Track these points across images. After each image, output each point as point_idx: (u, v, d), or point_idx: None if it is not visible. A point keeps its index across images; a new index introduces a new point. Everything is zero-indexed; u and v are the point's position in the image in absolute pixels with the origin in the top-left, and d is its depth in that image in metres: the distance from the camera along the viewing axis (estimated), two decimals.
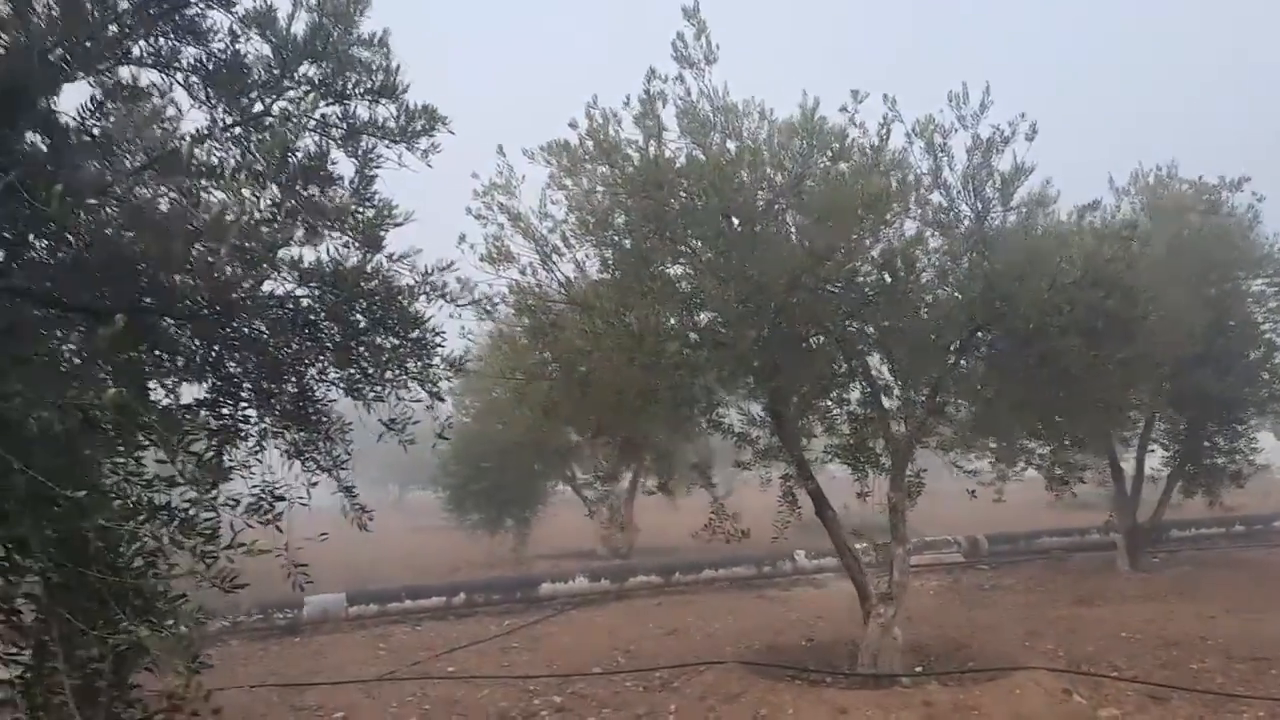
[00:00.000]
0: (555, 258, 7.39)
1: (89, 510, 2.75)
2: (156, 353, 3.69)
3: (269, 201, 4.04)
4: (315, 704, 8.23)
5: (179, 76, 3.82)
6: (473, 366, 9.16)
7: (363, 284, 4.10)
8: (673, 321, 7.13)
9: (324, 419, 4.15)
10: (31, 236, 3.55)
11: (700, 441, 8.62)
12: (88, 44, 3.28)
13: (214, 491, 3.81)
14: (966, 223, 7.91)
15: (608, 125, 7.10)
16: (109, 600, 2.96)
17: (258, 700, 8.45)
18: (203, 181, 3.63)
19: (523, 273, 7.38)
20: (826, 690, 7.55)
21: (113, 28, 3.56)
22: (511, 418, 10.26)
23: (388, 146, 4.29)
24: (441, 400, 4.20)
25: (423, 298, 4.05)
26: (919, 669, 8.28)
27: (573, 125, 7.14)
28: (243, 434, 4.01)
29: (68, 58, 3.28)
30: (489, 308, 4.06)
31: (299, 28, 4.03)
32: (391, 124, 4.24)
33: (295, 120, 3.98)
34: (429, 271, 4.03)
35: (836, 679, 8.01)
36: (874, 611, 7.98)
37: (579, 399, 7.20)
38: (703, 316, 7.35)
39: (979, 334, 7.71)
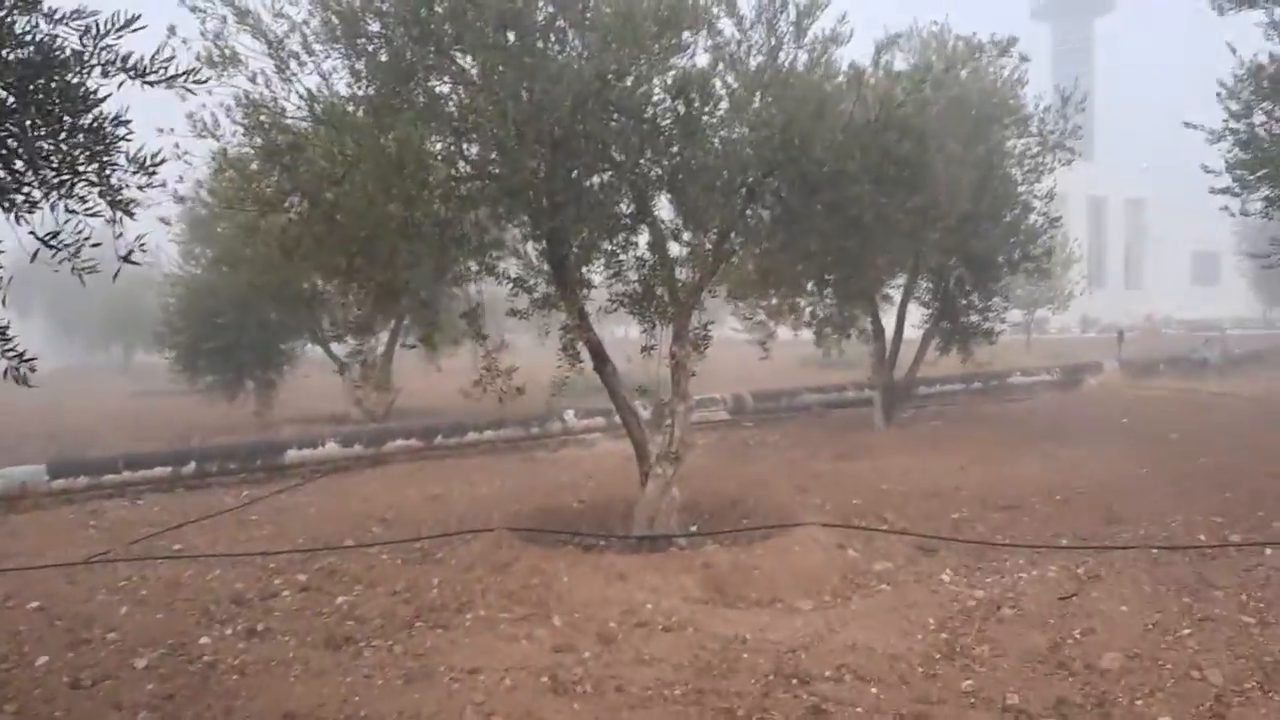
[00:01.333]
0: (295, 66, 6.20)
1: None
2: None
3: None
4: (6, 593, 7.02)
5: None
6: (189, 193, 7.82)
7: (8, 51, 2.96)
8: (439, 146, 6.19)
9: None
10: None
11: (469, 289, 7.77)
12: None
13: None
14: (759, 58, 7.34)
15: None
16: None
17: None
18: None
19: (253, 81, 6.16)
20: (602, 556, 7.17)
21: None
22: (243, 259, 8.95)
23: None
24: (129, 215, 3.18)
25: (97, 69, 2.99)
26: (694, 528, 8.08)
27: None
28: None
29: None
30: (194, 81, 3.03)
31: None
32: None
33: None
34: (102, 32, 2.95)
35: (611, 543, 7.66)
36: (653, 471, 7.63)
37: (325, 235, 6.17)
38: (474, 144, 6.44)
39: (769, 178, 7.26)
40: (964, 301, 14.32)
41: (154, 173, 3.16)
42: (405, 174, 5.78)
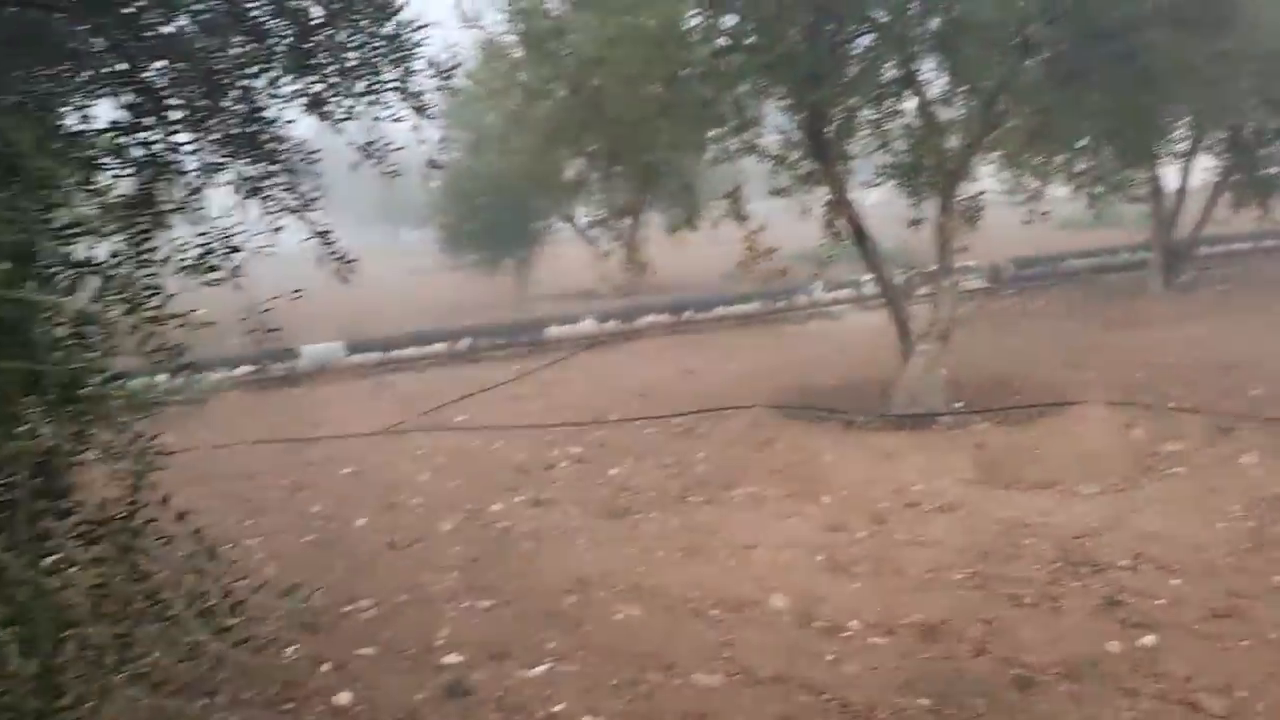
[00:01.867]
0: None
1: None
2: (39, 59, 2.78)
3: None
4: (322, 458, 7.85)
5: None
6: (458, 85, 8.10)
7: None
8: (697, 22, 6.06)
9: (281, 145, 3.30)
10: None
11: (729, 167, 7.65)
12: None
13: (148, 241, 3.02)
14: None
15: None
16: (13, 388, 2.25)
17: (262, 455, 8.07)
18: None
19: None
20: (865, 433, 7.10)
21: None
22: (508, 146, 9.27)
23: None
24: (429, 117, 3.33)
25: None
26: (959, 405, 7.82)
27: None
28: (176, 166, 3.17)
29: None
30: (470, 11, 3.09)
31: None
32: None
33: None
34: None
35: (871, 420, 7.55)
36: (916, 348, 7.41)
37: (588, 120, 6.23)
38: (731, 16, 6.25)
39: (1050, 25, 6.62)
40: (1263, 151, 12.75)
41: (450, 76, 3.27)
42: (665, 53, 5.71)
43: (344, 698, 3.88)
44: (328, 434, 8.62)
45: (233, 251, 3.13)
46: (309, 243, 3.39)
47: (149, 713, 2.81)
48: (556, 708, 3.66)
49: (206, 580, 2.65)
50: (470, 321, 14.79)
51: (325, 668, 4.14)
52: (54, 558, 2.40)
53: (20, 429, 2.24)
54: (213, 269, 3.04)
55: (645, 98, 5.83)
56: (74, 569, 2.43)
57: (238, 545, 5.79)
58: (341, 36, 3.13)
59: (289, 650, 4.30)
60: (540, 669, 3.98)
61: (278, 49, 3.13)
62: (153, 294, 2.70)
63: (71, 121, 2.98)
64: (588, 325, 13.24)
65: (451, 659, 4.14)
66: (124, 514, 2.56)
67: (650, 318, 13.72)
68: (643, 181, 6.80)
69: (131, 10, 2.95)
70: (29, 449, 2.21)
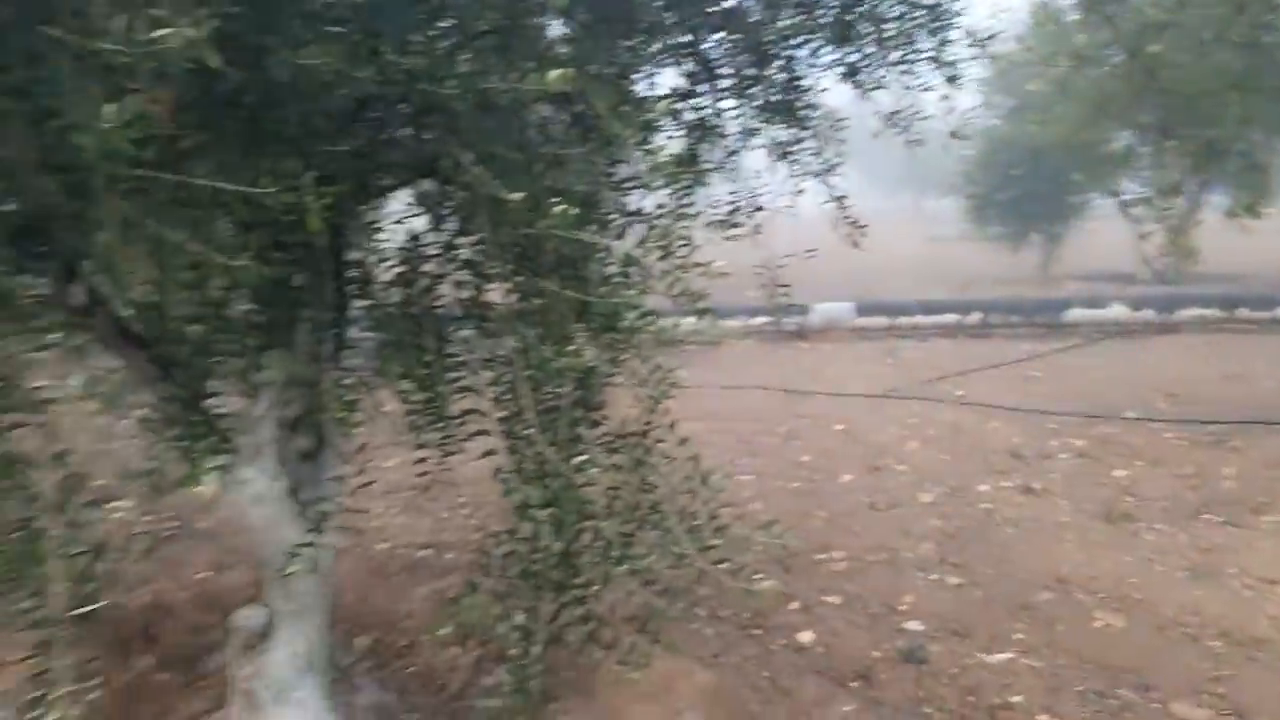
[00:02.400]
0: None
1: (540, 213, 2.38)
2: (626, 33, 3.21)
3: None
4: (817, 413, 8.18)
5: None
6: (1003, 51, 7.82)
7: None
8: None
9: (814, 112, 3.49)
10: None
11: None
12: None
13: (689, 196, 3.38)
14: None
15: None
16: (567, 315, 2.68)
17: (763, 401, 8.61)
18: None
19: None
20: None
21: None
22: (1051, 115, 8.80)
23: None
24: (959, 87, 3.31)
25: None
26: None
27: None
28: (719, 129, 3.48)
29: None
30: None
31: None
32: None
33: None
34: None
35: None
36: None
37: (1143, 89, 5.69)
38: None
39: None
40: None
41: (986, 45, 3.21)
42: (1245, 17, 5.03)
43: (806, 637, 4.10)
44: (826, 390, 8.93)
45: (757, 210, 3.39)
46: (827, 206, 3.56)
47: (639, 605, 3.22)
48: (1014, 698, 3.56)
49: (697, 501, 2.95)
50: (986, 295, 14.33)
51: (793, 606, 4.40)
52: (581, 459, 2.82)
53: (569, 349, 2.66)
54: (737, 225, 3.33)
55: (1214, 67, 5.19)
56: (595, 471, 2.85)
57: (731, 479, 6.30)
58: (882, 8, 3.21)
59: (763, 583, 4.62)
60: (1001, 656, 3.88)
61: (822, 20, 3.30)
62: (685, 244, 3.03)
63: (639, 88, 3.40)
64: (1116, 311, 12.18)
65: (912, 625, 4.18)
66: (640, 432, 2.94)
67: (1193, 310, 12.26)
68: (1201, 159, 6.06)
69: None
70: (574, 366, 2.62)
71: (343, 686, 3.55)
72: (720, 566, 3.08)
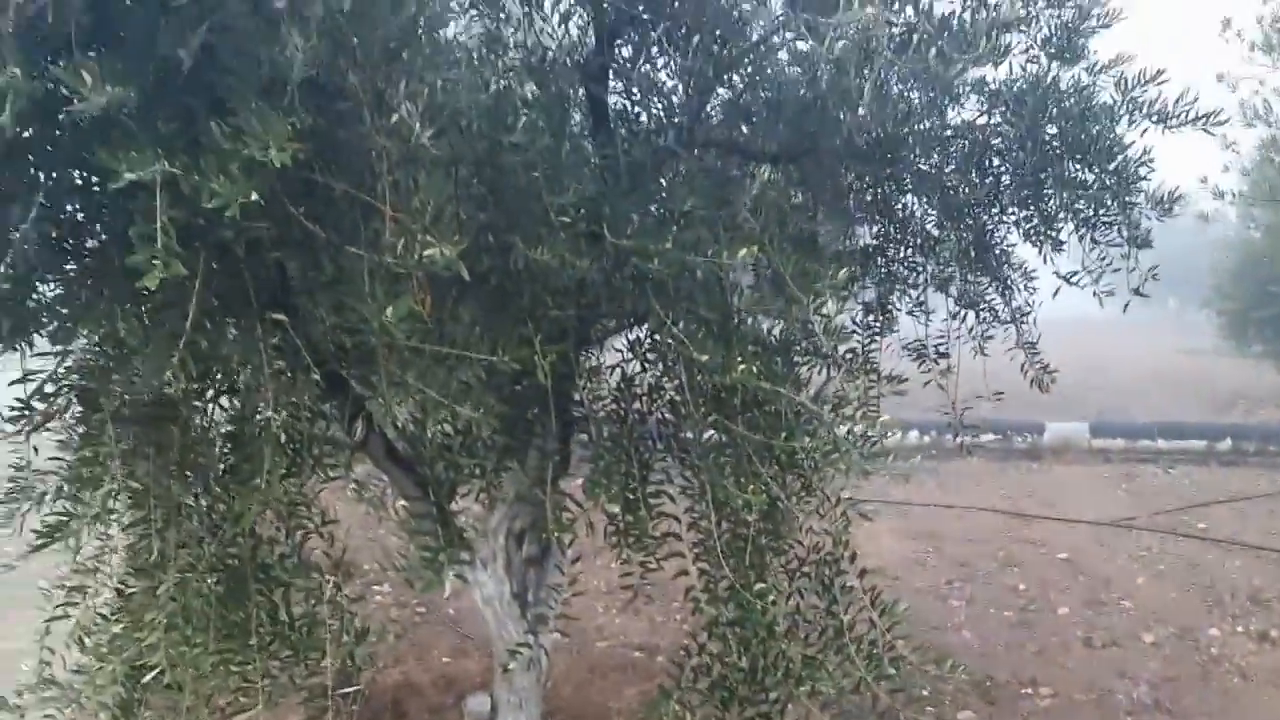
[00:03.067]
0: None
1: (729, 367, 2.75)
2: (821, 195, 3.55)
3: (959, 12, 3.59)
4: (1040, 538, 7.94)
5: None
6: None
7: (1053, 105, 3.41)
8: None
9: (1003, 265, 3.65)
10: (712, 91, 3.58)
11: None
12: None
13: (877, 343, 3.65)
14: None
15: None
16: (752, 454, 2.99)
17: (985, 523, 8.44)
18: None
19: None
20: None
21: None
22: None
23: None
24: (1146, 246, 3.38)
25: (1124, 119, 3.24)
26: None
27: None
28: (910, 281, 3.72)
29: None
30: (1214, 124, 3.06)
31: None
32: None
33: None
34: (1132, 84, 3.18)
35: None
36: None
37: None
38: None
39: None
40: None
41: (1171, 209, 3.30)
42: None
43: None
44: (1052, 515, 8.64)
45: (942, 356, 3.60)
46: (1073, 315, 3.68)
47: None
48: None
49: (877, 629, 3.13)
50: (1242, 418, 13.33)
51: None
52: (766, 583, 3.09)
53: (752, 485, 2.97)
54: (930, 361, 3.56)
55: None
56: (779, 595, 3.12)
57: (944, 603, 6.28)
58: (1070, 172, 3.38)
59: (961, 714, 4.62)
60: None
61: (1007, 183, 3.51)
62: (872, 385, 3.30)
63: (835, 246, 3.73)
64: None
65: None
66: (825, 560, 3.18)
67: None
68: None
69: (893, 154, 3.58)
70: (760, 501, 2.92)
71: None
72: (898, 695, 3.24)
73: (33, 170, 1.82)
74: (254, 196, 1.71)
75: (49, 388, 2.14)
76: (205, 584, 2.69)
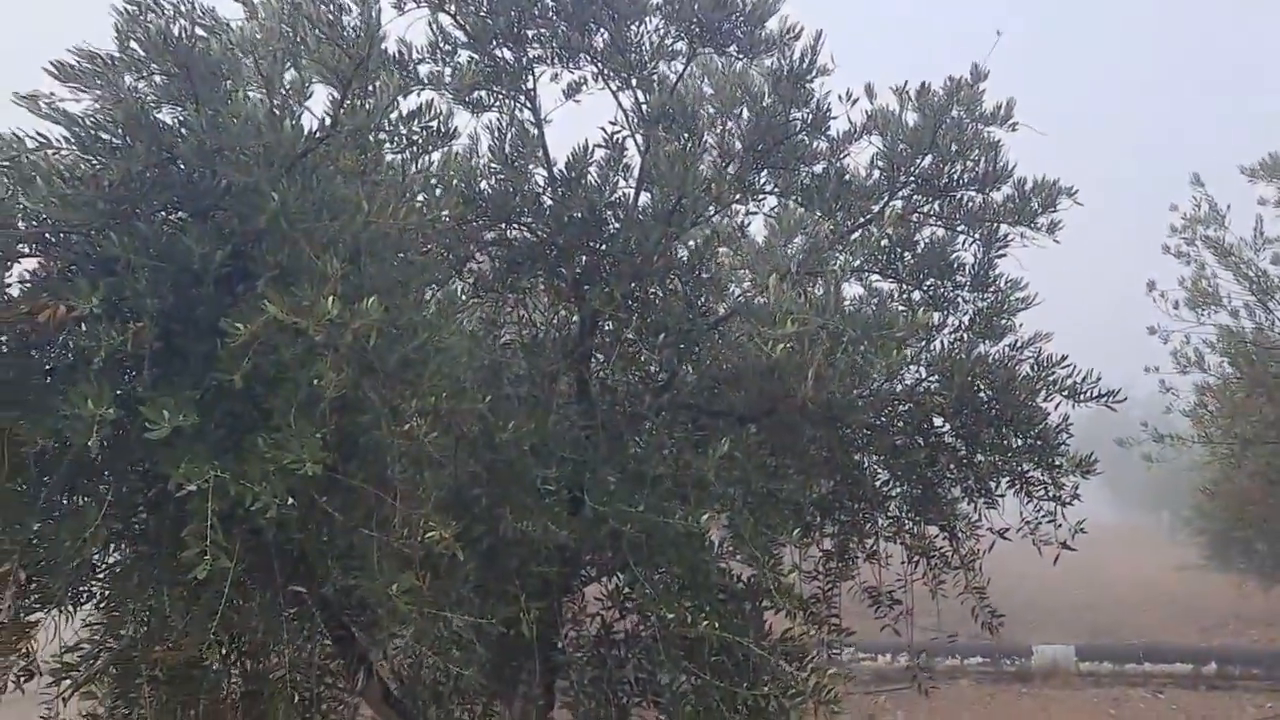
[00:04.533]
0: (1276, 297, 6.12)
1: (694, 622, 3.05)
2: (781, 453, 3.94)
3: (905, 293, 4.11)
4: None
5: (793, 199, 4.06)
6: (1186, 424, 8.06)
7: (980, 375, 3.87)
8: None
9: (949, 517, 3.99)
10: (681, 364, 4.04)
11: None
12: (700, 194, 3.64)
13: (837, 588, 3.94)
14: None
15: None
16: (719, 702, 3.23)
17: None
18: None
19: (1234, 315, 6.25)
20: None
21: (729, 170, 3.93)
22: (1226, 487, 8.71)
23: (1010, 225, 4.02)
24: (1067, 503, 3.73)
25: (1042, 392, 3.67)
26: None
27: None
28: (866, 530, 4.06)
29: (682, 208, 3.67)
30: (1115, 402, 3.47)
31: (910, 118, 3.99)
32: (1010, 205, 3.97)
33: (907, 219, 3.99)
34: (1046, 364, 3.64)
35: None
36: None
37: None
38: None
39: None
40: None
41: (1090, 471, 3.68)
42: None
43: None
44: None
45: (896, 602, 3.88)
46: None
47: None
48: None
49: None
50: (1232, 638, 13.28)
51: None
52: None
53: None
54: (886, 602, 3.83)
55: None
56: None
57: None
58: (999, 439, 3.79)
59: None
60: None
61: (948, 442, 3.92)
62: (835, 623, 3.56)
63: (796, 497, 4.09)
64: None
65: None
66: None
67: None
68: None
69: (845, 415, 4.00)
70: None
71: None
72: None
73: (106, 475, 2.19)
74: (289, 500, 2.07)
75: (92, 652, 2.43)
76: None
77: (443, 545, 2.34)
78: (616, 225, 3.65)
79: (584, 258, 3.66)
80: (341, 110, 2.63)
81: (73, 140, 2.42)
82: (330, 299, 2.20)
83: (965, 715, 9.58)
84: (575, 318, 3.83)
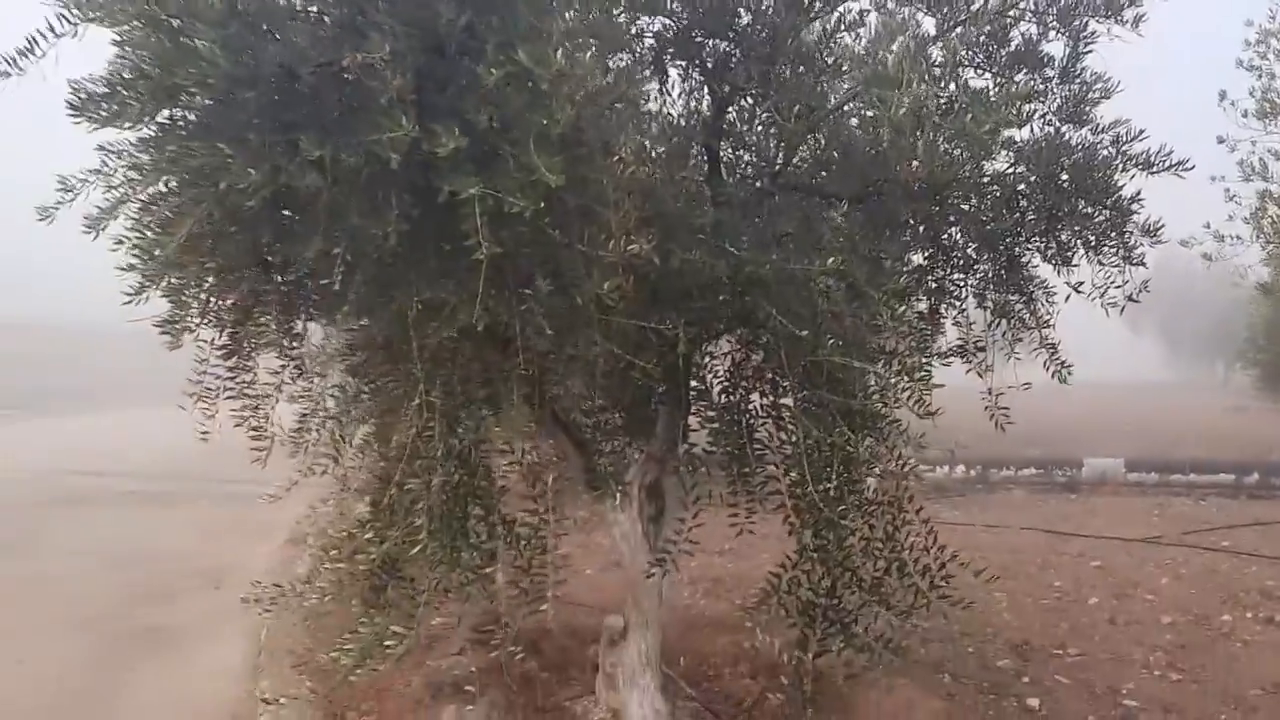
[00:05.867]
0: None
1: (821, 347, 3.69)
2: (882, 227, 4.50)
3: (991, 87, 4.57)
4: (1076, 551, 8.65)
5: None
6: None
7: (1065, 159, 4.35)
8: None
9: (1027, 283, 4.54)
10: (797, 145, 4.56)
11: None
12: None
13: (930, 340, 4.55)
14: None
15: None
16: (839, 418, 3.91)
17: (1026, 540, 9.16)
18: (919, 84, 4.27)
19: None
20: None
21: None
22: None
23: (1098, 22, 4.41)
24: (1138, 264, 4.26)
25: (1119, 167, 4.14)
26: None
27: None
28: (954, 294, 4.63)
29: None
30: (1184, 170, 3.95)
31: None
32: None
33: (1007, 13, 4.40)
34: (1124, 140, 4.11)
35: None
36: None
37: None
38: None
39: None
40: None
41: (1157, 236, 4.20)
42: None
43: (1033, 702, 4.88)
44: (1088, 534, 9.34)
45: (979, 350, 4.48)
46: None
47: (886, 625, 4.21)
48: None
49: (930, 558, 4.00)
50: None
51: (1025, 680, 5.17)
52: (845, 523, 3.96)
53: (838, 440, 3.88)
54: (967, 358, 4.44)
55: None
56: (855, 525, 3.99)
57: (987, 594, 7.03)
58: (1079, 210, 4.30)
59: (1000, 662, 5.42)
60: None
61: (1030, 219, 4.43)
62: (925, 374, 4.17)
63: (894, 265, 4.66)
64: None
65: (1129, 702, 4.84)
66: (890, 501, 4.06)
67: None
68: None
69: (940, 196, 4.51)
70: (848, 455, 3.83)
71: (670, 689, 4.77)
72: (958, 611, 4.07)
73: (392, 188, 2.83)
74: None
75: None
76: (436, 500, 3.66)
77: (643, 254, 2.98)
78: (749, 15, 4.13)
79: (721, 44, 4.16)
80: None
81: None
82: (558, 52, 2.77)
83: (1014, 516, 10.34)
84: (707, 102, 4.36)
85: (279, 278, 3.19)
